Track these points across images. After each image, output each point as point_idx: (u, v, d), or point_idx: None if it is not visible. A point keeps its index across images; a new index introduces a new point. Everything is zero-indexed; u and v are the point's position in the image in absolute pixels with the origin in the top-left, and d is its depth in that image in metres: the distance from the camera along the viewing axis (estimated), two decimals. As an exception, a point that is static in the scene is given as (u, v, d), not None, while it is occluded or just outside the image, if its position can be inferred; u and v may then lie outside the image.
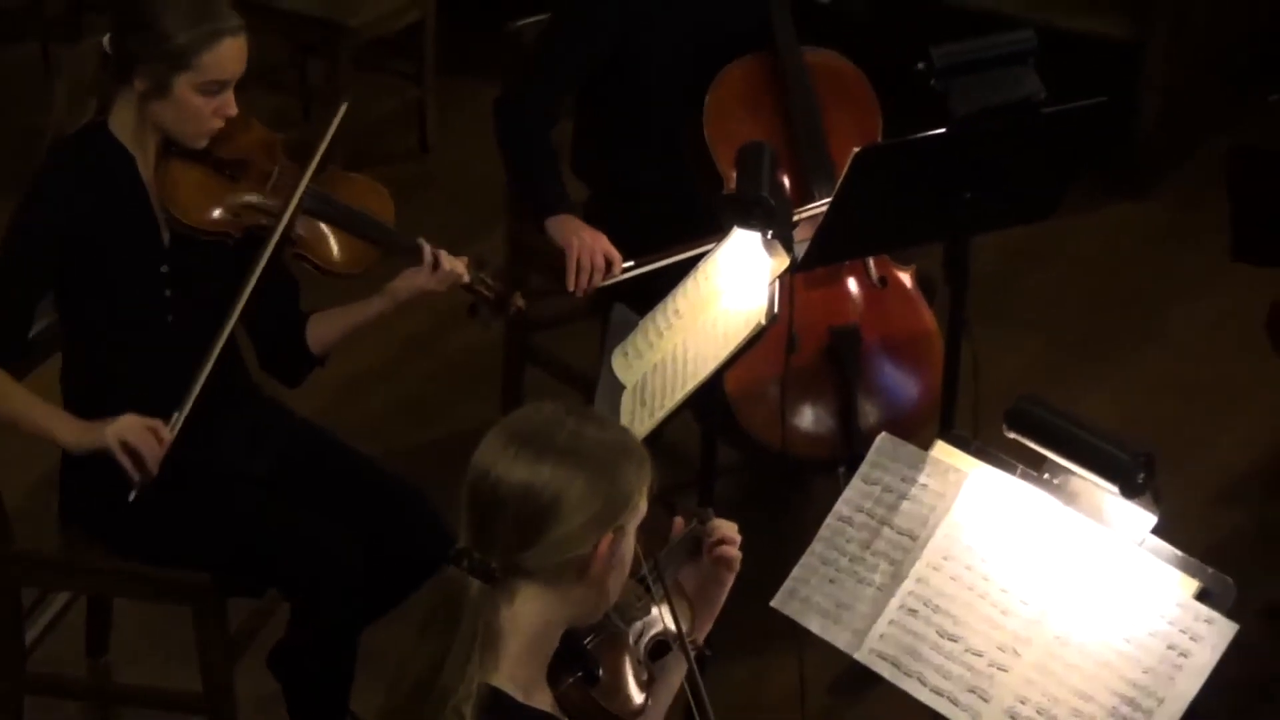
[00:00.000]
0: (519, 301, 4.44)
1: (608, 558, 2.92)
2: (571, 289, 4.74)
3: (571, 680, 3.05)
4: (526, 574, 2.89)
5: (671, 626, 3.19)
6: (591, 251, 4.77)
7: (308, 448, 4.37)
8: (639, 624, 3.21)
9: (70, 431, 4.05)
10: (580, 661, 3.06)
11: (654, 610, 3.22)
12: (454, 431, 5.34)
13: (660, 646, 3.22)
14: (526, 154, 4.96)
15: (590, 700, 3.06)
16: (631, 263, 4.77)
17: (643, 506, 2.97)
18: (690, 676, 3.22)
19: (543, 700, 2.96)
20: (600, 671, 3.08)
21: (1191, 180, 6.70)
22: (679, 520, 3.36)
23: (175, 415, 4.03)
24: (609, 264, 4.77)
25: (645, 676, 3.18)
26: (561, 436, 2.90)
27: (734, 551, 3.31)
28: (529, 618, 2.92)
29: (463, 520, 2.92)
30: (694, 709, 3.20)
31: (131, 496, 4.00)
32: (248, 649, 4.43)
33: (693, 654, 3.21)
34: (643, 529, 3.07)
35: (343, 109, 4.28)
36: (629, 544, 2.97)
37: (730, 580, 3.34)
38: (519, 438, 2.90)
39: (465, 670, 2.85)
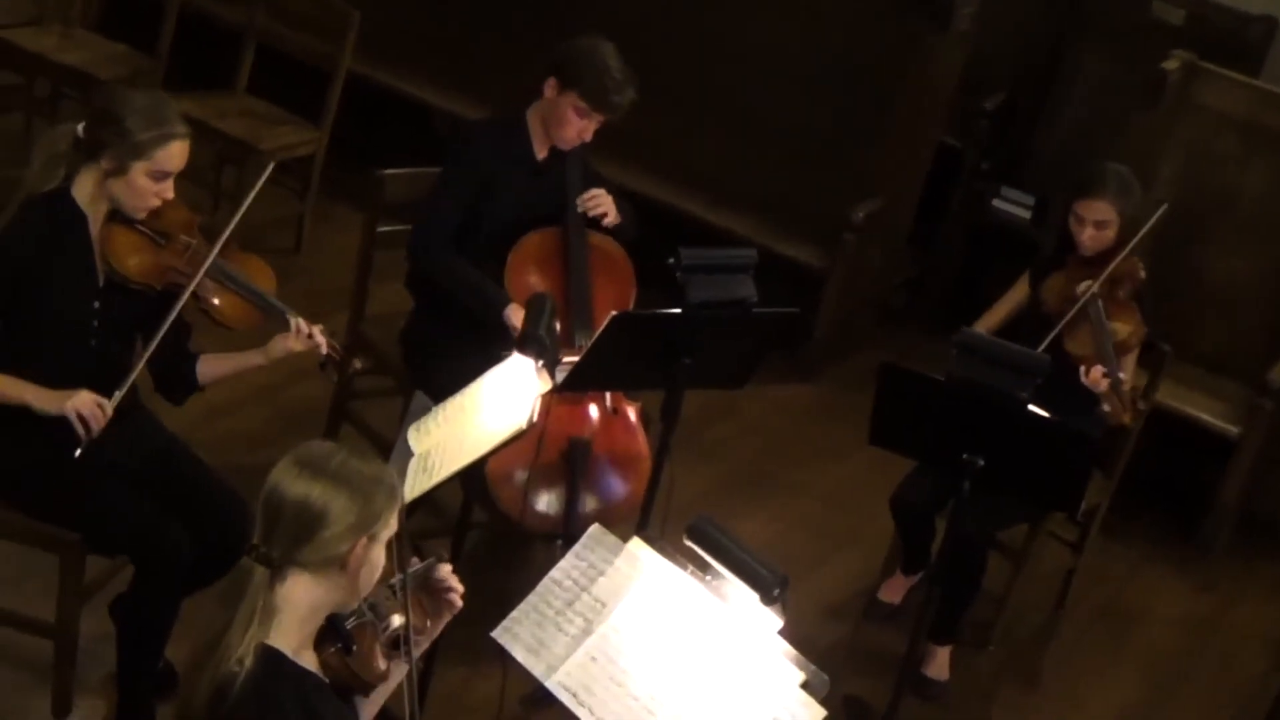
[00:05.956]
0: (357, 364, 4.46)
1: (361, 557, 2.97)
2: None
3: (332, 649, 3.06)
4: (299, 564, 2.94)
5: (405, 624, 3.21)
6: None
7: (169, 453, 4.29)
8: (388, 618, 3.20)
9: (39, 399, 3.96)
10: (340, 636, 3.07)
11: (397, 612, 3.22)
12: (278, 460, 5.23)
13: (396, 642, 3.22)
14: (458, 275, 4.86)
15: (345, 665, 3.07)
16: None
17: (393, 524, 3.04)
18: (409, 673, 3.23)
19: (308, 661, 3.00)
20: (355, 646, 3.09)
21: (846, 376, 6.75)
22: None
23: (116, 394, 4.00)
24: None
25: (387, 656, 3.18)
26: (333, 464, 2.96)
27: (456, 599, 3.33)
28: (300, 598, 2.96)
29: (256, 522, 2.95)
30: (405, 690, 3.25)
31: (77, 453, 3.95)
32: (95, 596, 4.31)
33: (412, 650, 3.22)
34: (393, 548, 3.12)
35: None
36: (379, 551, 3.02)
37: (448, 617, 3.35)
38: (302, 462, 2.95)
39: (246, 632, 2.87)
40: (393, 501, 3.01)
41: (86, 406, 3.94)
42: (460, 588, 3.33)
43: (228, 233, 4.13)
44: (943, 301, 7.25)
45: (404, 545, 3.21)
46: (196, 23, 7.06)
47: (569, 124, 4.84)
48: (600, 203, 4.95)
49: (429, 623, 3.33)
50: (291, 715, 2.92)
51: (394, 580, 3.23)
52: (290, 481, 2.92)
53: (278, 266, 4.36)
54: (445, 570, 3.33)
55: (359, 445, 5.09)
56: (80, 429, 3.94)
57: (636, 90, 4.84)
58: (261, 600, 2.91)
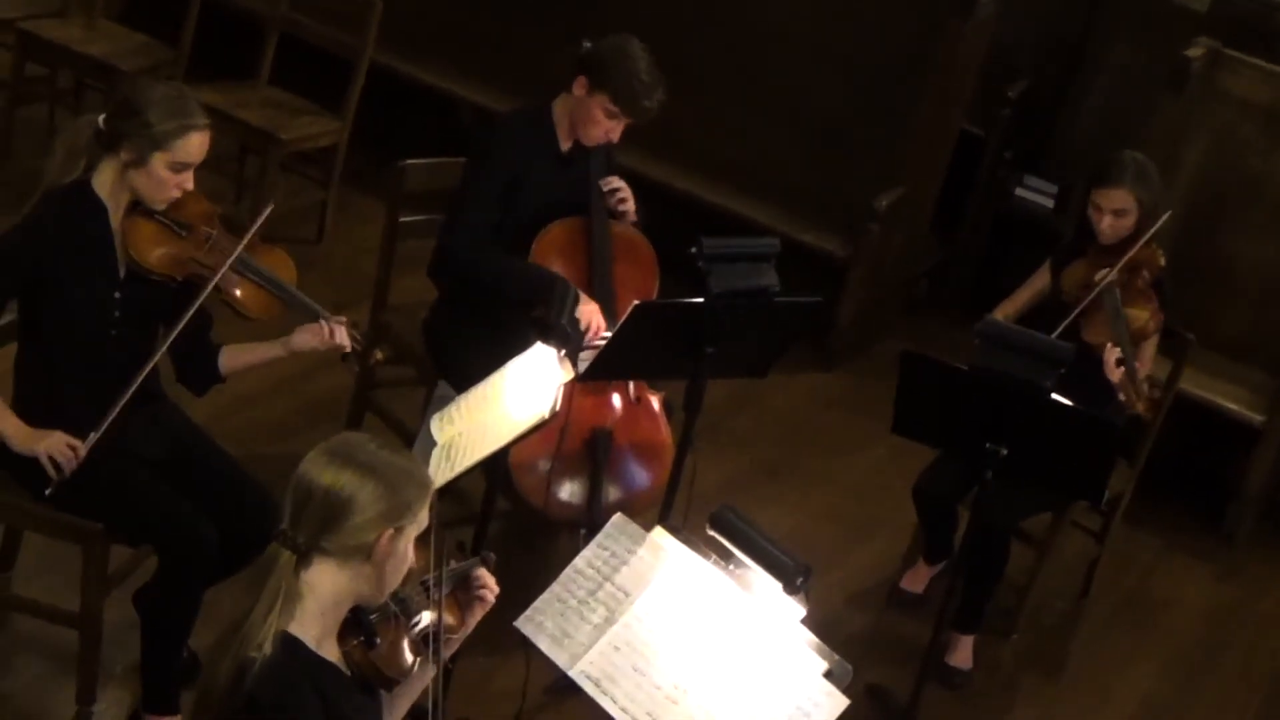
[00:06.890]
0: (379, 356, 4.44)
1: (387, 548, 2.97)
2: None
3: (356, 642, 3.07)
4: (324, 552, 2.94)
5: (436, 623, 3.22)
6: (595, 314, 4.74)
7: (192, 443, 4.29)
8: (418, 615, 3.21)
9: (14, 436, 3.99)
10: (364, 629, 3.07)
11: (428, 609, 3.23)
12: (302, 451, 5.23)
13: (427, 639, 3.22)
14: (502, 268, 4.83)
15: (367, 659, 3.08)
16: (610, 332, 4.66)
17: (422, 518, 3.04)
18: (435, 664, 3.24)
19: (330, 652, 3.01)
20: (378, 640, 3.09)
21: (869, 365, 6.75)
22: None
23: (91, 435, 3.98)
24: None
25: (415, 653, 3.19)
26: (364, 454, 2.96)
27: (490, 598, 3.35)
28: (323, 586, 2.96)
29: (285, 507, 2.95)
30: (431, 687, 3.27)
31: (48, 493, 3.98)
32: (119, 586, 4.32)
33: (441, 649, 3.24)
34: (423, 543, 3.14)
35: (269, 208, 4.23)
36: (406, 544, 3.02)
37: (480, 615, 3.37)
38: (333, 450, 2.96)
39: (267, 618, 2.88)
40: (423, 495, 3.01)
41: (57, 448, 3.96)
42: (496, 588, 3.35)
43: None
44: (965, 290, 7.24)
45: (442, 543, 3.21)
46: (219, 13, 7.06)
47: (597, 124, 4.83)
48: (624, 196, 4.94)
49: (463, 621, 3.34)
50: (307, 703, 2.93)
51: (428, 577, 3.23)
52: (320, 468, 2.93)
53: (300, 256, 4.36)
54: (485, 572, 3.35)
55: (383, 435, 5.12)
56: (51, 470, 3.96)
57: (665, 91, 4.83)
58: (285, 585, 2.91)
